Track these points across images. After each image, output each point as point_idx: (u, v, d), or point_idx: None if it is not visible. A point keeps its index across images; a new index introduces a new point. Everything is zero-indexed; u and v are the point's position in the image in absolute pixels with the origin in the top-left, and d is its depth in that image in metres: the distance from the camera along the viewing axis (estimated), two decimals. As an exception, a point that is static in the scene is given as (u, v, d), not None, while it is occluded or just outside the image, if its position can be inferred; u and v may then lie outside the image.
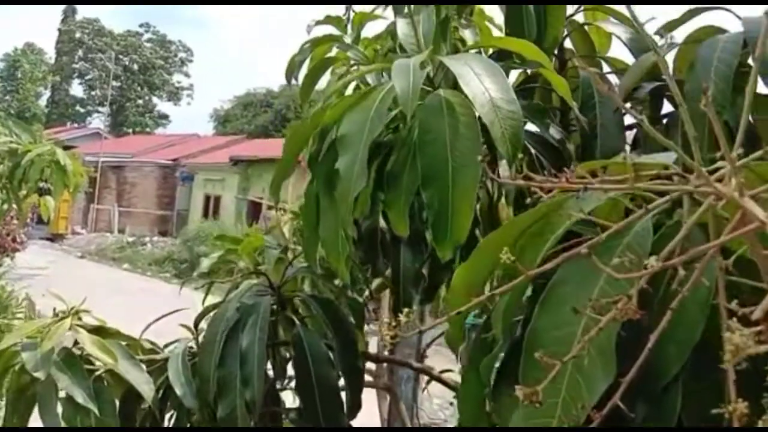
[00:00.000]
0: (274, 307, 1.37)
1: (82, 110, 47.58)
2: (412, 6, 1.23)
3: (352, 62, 2.11)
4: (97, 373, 1.34)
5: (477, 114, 1.02)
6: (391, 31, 1.99)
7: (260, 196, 22.49)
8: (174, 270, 19.06)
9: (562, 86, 1.13)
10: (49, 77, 44.86)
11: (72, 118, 45.70)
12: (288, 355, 1.44)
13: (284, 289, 1.42)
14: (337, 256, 1.17)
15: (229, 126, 38.94)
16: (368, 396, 2.02)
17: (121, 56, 44.59)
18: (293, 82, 2.13)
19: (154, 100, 47.86)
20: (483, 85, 1.01)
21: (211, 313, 1.46)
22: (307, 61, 2.27)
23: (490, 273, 0.81)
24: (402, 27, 1.23)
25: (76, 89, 47.82)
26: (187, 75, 49.13)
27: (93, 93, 46.64)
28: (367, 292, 2.27)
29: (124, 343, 1.42)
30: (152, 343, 1.54)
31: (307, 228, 1.26)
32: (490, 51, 1.33)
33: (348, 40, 2.12)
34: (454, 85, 1.11)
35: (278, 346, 1.46)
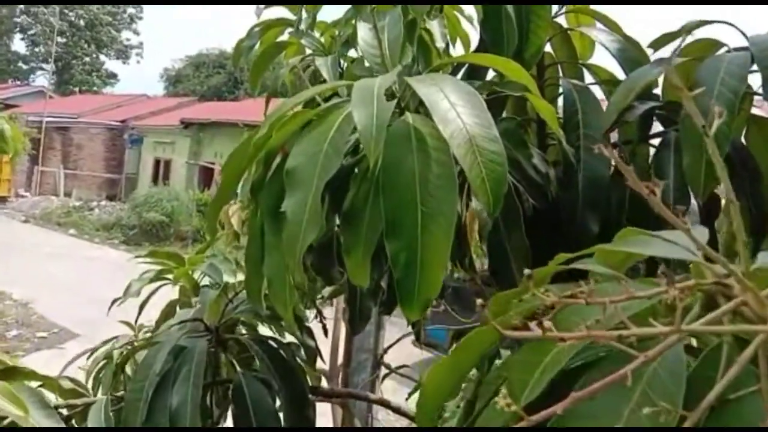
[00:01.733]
0: (212, 349, 1.20)
1: (25, 67, 45.55)
2: (374, 7, 1.05)
3: (307, 51, 1.91)
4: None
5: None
6: (349, 19, 1.81)
7: (212, 161, 22.00)
8: (122, 236, 18.57)
9: (550, 113, 0.96)
10: (-12, 31, 42.81)
11: (14, 75, 43.79)
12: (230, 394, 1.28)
13: (224, 326, 1.24)
14: (283, 304, 1.00)
15: (181, 87, 37.89)
16: (322, 408, 1.89)
17: (66, 11, 42.65)
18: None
19: (102, 58, 46.06)
20: (460, 119, 0.84)
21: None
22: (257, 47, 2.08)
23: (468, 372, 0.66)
24: (364, 33, 1.04)
25: (18, 45, 45.77)
26: (136, 32, 47.40)
27: (36, 49, 44.59)
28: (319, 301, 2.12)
29: (38, 385, 1.23)
30: (73, 381, 1.35)
31: (250, 263, 1.08)
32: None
33: (303, 25, 1.93)
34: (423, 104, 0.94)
35: (218, 385, 1.29)
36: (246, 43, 1.90)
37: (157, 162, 24.81)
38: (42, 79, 41.85)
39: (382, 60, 0.99)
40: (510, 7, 1.12)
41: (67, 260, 14.04)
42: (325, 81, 1.85)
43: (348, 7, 1.81)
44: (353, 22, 1.82)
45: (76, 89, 41.58)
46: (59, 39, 40.78)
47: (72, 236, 18.62)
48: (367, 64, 1.01)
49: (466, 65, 1.17)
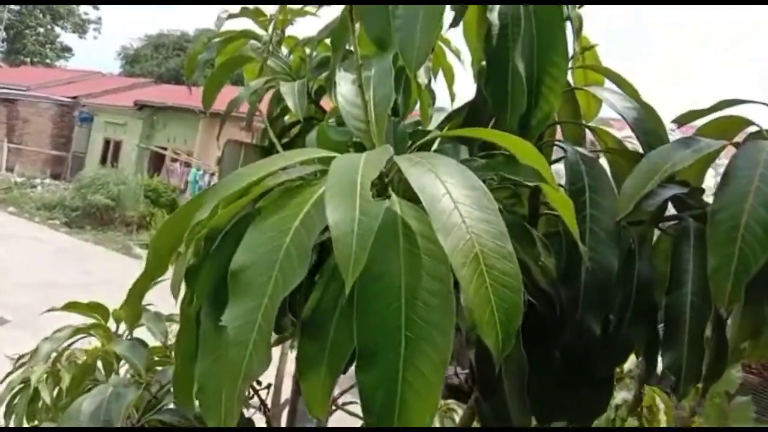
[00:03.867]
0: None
1: (-29, 32, 43.79)
2: (357, 56, 0.84)
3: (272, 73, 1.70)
4: None
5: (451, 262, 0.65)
6: (323, 40, 1.60)
7: (164, 146, 21.37)
8: (64, 217, 17.85)
9: (569, 212, 0.78)
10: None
11: (-40, 40, 42.01)
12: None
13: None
14: (217, 420, 0.79)
15: (138, 67, 36.97)
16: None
17: (22, -24, 41.04)
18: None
19: (57, 30, 44.47)
20: (465, 224, 0.64)
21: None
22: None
23: None
24: (345, 89, 0.83)
25: (-34, 9, 43.84)
26: (95, 7, 45.96)
27: (-14, 15, 42.89)
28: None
29: None
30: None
31: (181, 356, 0.87)
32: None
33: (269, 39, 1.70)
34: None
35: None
36: (203, 55, 1.67)
37: (107, 143, 24.05)
38: (-11, 46, 40.27)
39: (366, 127, 0.78)
40: (520, 63, 0.93)
41: (3, 240, 13.40)
42: (287, 112, 1.64)
43: (324, 23, 1.61)
44: (327, 42, 1.62)
45: (28, 60, 40.08)
46: (12, 6, 39.28)
47: (11, 214, 17.85)
48: (346, 127, 0.81)
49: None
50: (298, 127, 1.62)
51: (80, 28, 45.22)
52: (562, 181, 1.24)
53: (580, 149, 1.09)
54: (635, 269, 1.08)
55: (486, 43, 1.01)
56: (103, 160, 23.22)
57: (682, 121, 1.05)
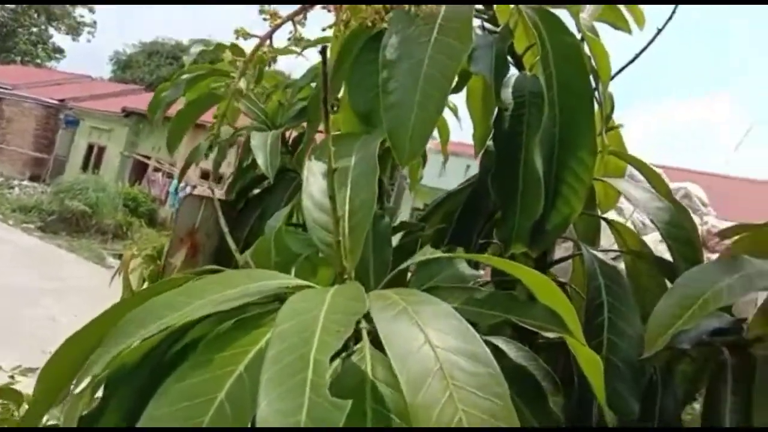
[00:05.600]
0: None
1: (-37, 26, 43.26)
2: (329, 143, 0.64)
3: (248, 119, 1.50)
4: None
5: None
6: (303, 83, 1.42)
7: (148, 155, 21.02)
8: (39, 221, 17.44)
9: (597, 374, 0.58)
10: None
11: (-50, 33, 41.45)
12: None
13: None
14: None
15: (129, 73, 36.63)
16: None
17: (20, -25, 40.68)
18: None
19: (51, 30, 44.05)
20: (461, 414, 0.45)
21: None
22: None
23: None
24: (313, 187, 0.63)
25: (-40, 3, 43.30)
26: (91, 10, 45.54)
27: (-20, 11, 42.36)
28: None
29: None
30: None
31: None
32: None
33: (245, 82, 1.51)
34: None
35: None
36: (168, 94, 1.47)
37: (91, 148, 23.68)
38: (-20, 42, 39.75)
39: (336, 247, 0.58)
40: (537, 157, 0.74)
41: (-29, 241, 13.02)
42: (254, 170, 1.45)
43: (310, 64, 1.43)
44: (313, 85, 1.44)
45: (18, 59, 39.62)
46: (7, 4, 38.91)
47: (-17, 214, 17.44)
48: (313, 239, 0.61)
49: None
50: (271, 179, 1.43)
51: (74, 31, 44.82)
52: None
53: (598, 254, 0.90)
54: (656, 407, 0.89)
55: (496, 124, 0.82)
56: (85, 166, 22.86)
57: (728, 235, 0.87)
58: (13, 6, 40.51)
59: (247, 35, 1.24)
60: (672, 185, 1.83)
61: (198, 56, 1.64)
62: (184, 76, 1.49)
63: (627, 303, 0.86)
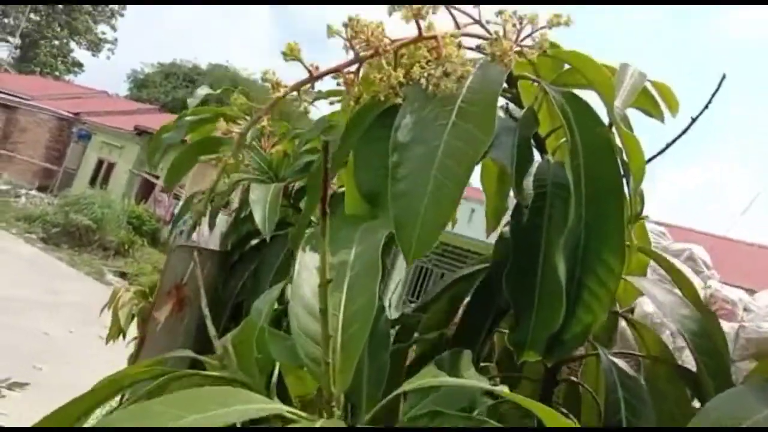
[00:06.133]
0: None
1: (-12, 35, 43.84)
2: (325, 229, 0.56)
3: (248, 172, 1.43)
4: None
5: None
6: (311, 136, 1.35)
7: (157, 175, 21.05)
8: (43, 232, 17.37)
9: None
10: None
11: (-27, 40, 41.99)
12: None
13: None
14: None
15: (145, 92, 36.94)
16: None
17: (48, -11, 41.34)
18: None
19: (72, 45, 44.64)
20: None
21: None
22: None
23: None
24: (307, 280, 0.55)
25: (-13, 13, 44.00)
26: (114, 28, 46.21)
27: (6, 20, 42.94)
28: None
29: None
30: None
31: None
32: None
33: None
34: None
35: None
36: (168, 135, 1.40)
37: (101, 163, 23.76)
38: (3, 51, 40.25)
39: (325, 366, 0.50)
40: (560, 261, 0.66)
41: (-30, 250, 12.96)
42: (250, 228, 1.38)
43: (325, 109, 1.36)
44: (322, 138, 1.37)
45: (37, 70, 40.07)
46: (32, 16, 39.48)
47: (-13, 222, 17.40)
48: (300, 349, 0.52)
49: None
50: (267, 237, 1.35)
51: (95, 47, 45.40)
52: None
53: (618, 362, 0.81)
54: None
55: (513, 214, 0.75)
56: (93, 180, 22.91)
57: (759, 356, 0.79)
58: (38, 18, 41.11)
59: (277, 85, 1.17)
60: (676, 245, 1.75)
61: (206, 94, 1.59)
62: (188, 118, 1.42)
63: (647, 419, 0.78)
